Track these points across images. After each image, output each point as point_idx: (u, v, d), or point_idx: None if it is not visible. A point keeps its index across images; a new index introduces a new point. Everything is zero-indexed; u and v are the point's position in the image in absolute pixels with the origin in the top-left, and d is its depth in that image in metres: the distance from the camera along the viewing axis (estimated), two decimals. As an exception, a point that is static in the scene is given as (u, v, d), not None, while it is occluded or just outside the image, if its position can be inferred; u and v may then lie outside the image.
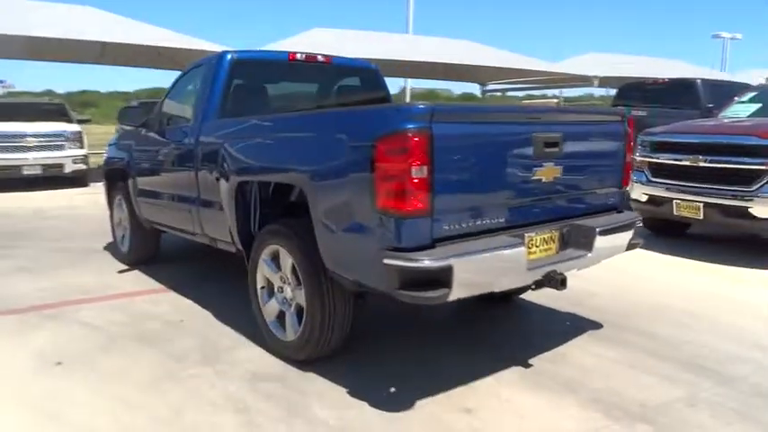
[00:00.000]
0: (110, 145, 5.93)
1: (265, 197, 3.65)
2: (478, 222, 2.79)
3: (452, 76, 21.94)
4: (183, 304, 4.41)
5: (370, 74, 4.94)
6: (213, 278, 5.10)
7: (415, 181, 2.49)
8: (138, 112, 4.91)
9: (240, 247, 3.73)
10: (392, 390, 3.00)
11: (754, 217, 5.16)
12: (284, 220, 3.38)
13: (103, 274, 5.27)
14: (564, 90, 20.60)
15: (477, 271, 2.65)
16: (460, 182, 2.69)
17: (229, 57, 4.21)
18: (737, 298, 4.54)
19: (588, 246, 3.17)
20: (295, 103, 4.64)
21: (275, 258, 3.38)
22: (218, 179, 3.78)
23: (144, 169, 5.03)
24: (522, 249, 2.78)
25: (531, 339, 3.73)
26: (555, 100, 19.49)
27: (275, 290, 3.42)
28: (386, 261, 2.54)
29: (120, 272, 5.36)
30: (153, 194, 4.86)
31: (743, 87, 10.37)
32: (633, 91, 9.82)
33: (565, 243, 3.20)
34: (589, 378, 3.11)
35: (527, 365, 3.27)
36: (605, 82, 17.45)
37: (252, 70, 4.35)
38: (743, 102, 6.90)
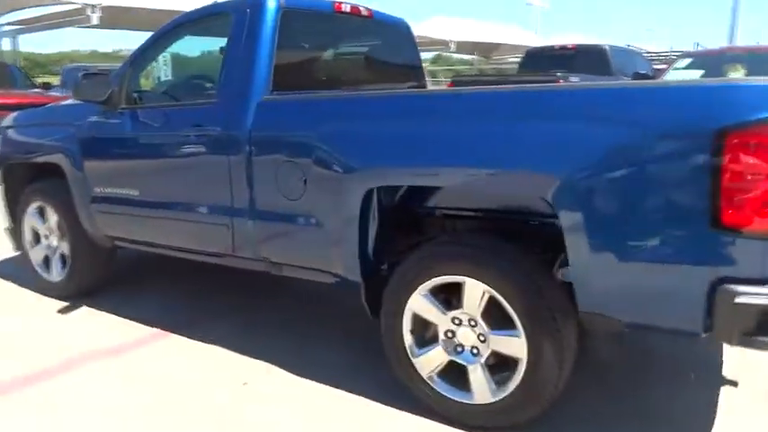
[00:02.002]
0: (9, 127, 4.08)
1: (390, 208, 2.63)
2: None
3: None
4: (213, 354, 3.15)
5: (406, 32, 3.96)
6: (215, 302, 3.81)
7: None
8: (103, 84, 3.31)
9: (359, 278, 2.65)
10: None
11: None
12: (470, 241, 2.43)
13: (39, 317, 3.66)
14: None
15: None
16: None
17: (272, 2, 2.96)
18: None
19: None
20: (342, 70, 3.52)
21: (438, 293, 2.43)
22: (316, 183, 2.62)
23: (107, 166, 3.49)
24: None
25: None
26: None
27: (442, 337, 2.46)
28: (740, 300, 1.83)
29: (62, 311, 3.76)
30: (128, 202, 3.39)
31: (636, 54, 11.07)
32: (540, 57, 9.84)
33: None
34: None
35: None
36: (462, 47, 17.71)
37: (299, 24, 3.12)
38: (679, 68, 7.15)
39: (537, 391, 2.28)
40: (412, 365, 2.53)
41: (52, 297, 3.96)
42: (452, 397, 2.46)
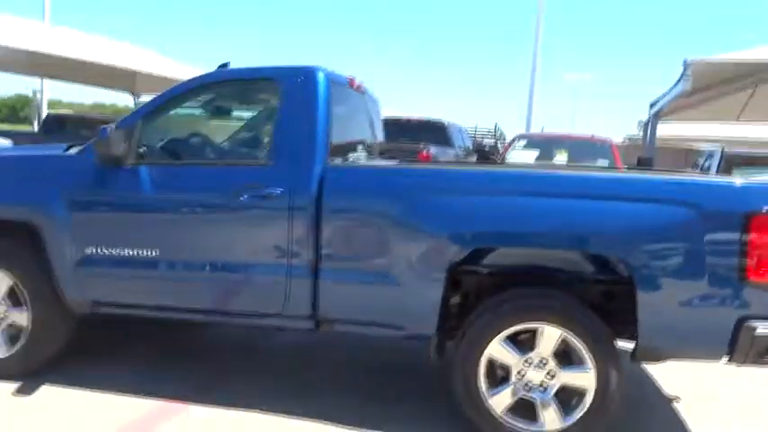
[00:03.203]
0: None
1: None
2: None
3: (102, 82, 19.09)
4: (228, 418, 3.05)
5: (376, 100, 4.34)
6: (208, 365, 3.59)
7: None
8: (122, 139, 3.00)
9: (432, 331, 2.92)
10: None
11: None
12: (546, 295, 2.91)
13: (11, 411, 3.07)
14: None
15: None
16: None
17: (322, 74, 3.17)
18: None
19: None
20: (355, 134, 3.76)
21: (512, 339, 2.85)
22: (400, 247, 2.86)
23: (113, 225, 3.18)
24: None
25: None
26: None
27: (514, 377, 2.86)
28: (758, 332, 2.62)
29: (17, 394, 3.20)
30: (141, 263, 3.13)
31: (462, 129, 12.69)
32: (392, 127, 10.83)
33: None
34: None
35: None
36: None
37: (335, 95, 3.34)
38: (518, 148, 8.65)
39: (602, 416, 2.80)
40: (486, 406, 2.87)
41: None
42: (525, 428, 2.86)
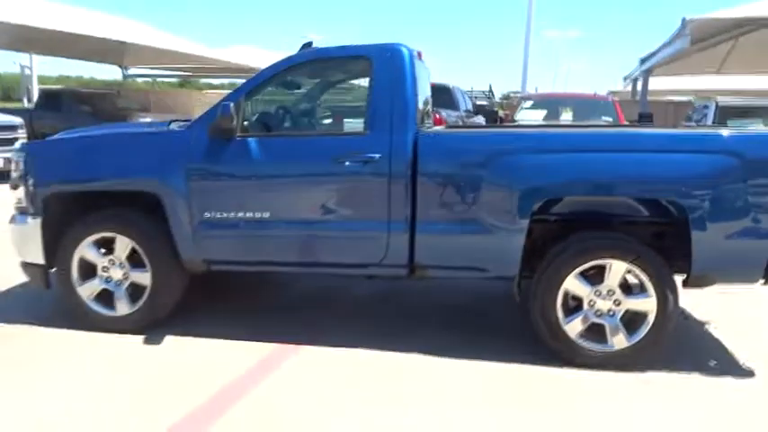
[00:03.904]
0: (51, 153, 3.73)
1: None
2: None
3: (91, 56, 18.94)
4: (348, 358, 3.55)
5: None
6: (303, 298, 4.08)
7: None
8: (230, 117, 3.38)
9: (515, 272, 3.45)
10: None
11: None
12: (615, 235, 3.45)
13: (140, 355, 3.53)
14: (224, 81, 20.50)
15: None
16: None
17: (406, 50, 3.58)
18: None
19: None
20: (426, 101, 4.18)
21: (583, 274, 3.38)
22: (487, 200, 3.35)
23: (229, 192, 3.60)
24: None
25: None
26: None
27: (586, 306, 3.40)
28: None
29: (150, 343, 3.65)
30: (256, 224, 3.56)
31: (463, 92, 13.07)
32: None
33: None
34: None
35: None
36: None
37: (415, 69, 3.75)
38: (527, 108, 9.12)
39: (663, 333, 3.37)
40: (563, 331, 3.42)
41: (113, 331, 3.77)
42: (596, 349, 3.41)
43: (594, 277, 3.40)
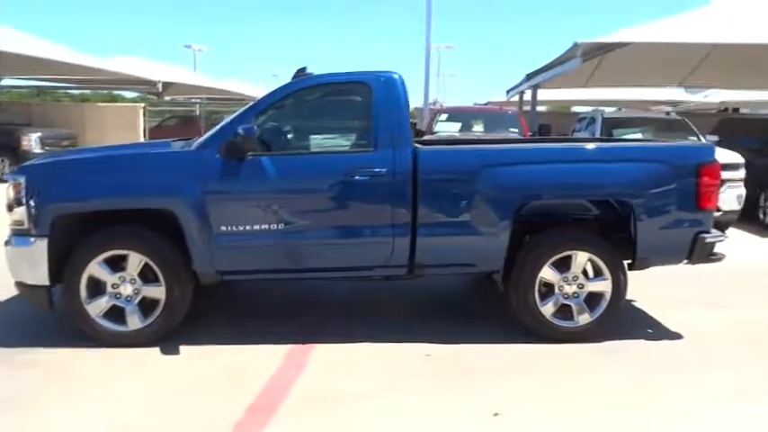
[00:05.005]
0: (59, 173, 3.77)
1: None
2: None
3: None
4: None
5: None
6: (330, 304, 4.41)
7: None
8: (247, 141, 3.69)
9: (500, 265, 4.08)
10: None
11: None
12: (576, 232, 4.23)
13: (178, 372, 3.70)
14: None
15: None
16: None
17: (398, 76, 4.11)
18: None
19: None
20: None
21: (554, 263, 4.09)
22: (477, 204, 3.93)
23: (243, 206, 3.88)
24: None
25: None
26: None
27: (557, 290, 4.10)
28: (707, 240, 4.10)
29: (170, 354, 3.82)
30: (269, 235, 3.87)
31: None
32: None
33: None
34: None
35: None
36: (179, 91, 17.88)
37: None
38: (442, 120, 9.93)
39: (617, 307, 4.15)
40: (540, 312, 4.09)
41: (124, 346, 3.88)
42: (566, 325, 4.13)
43: (562, 266, 4.12)
